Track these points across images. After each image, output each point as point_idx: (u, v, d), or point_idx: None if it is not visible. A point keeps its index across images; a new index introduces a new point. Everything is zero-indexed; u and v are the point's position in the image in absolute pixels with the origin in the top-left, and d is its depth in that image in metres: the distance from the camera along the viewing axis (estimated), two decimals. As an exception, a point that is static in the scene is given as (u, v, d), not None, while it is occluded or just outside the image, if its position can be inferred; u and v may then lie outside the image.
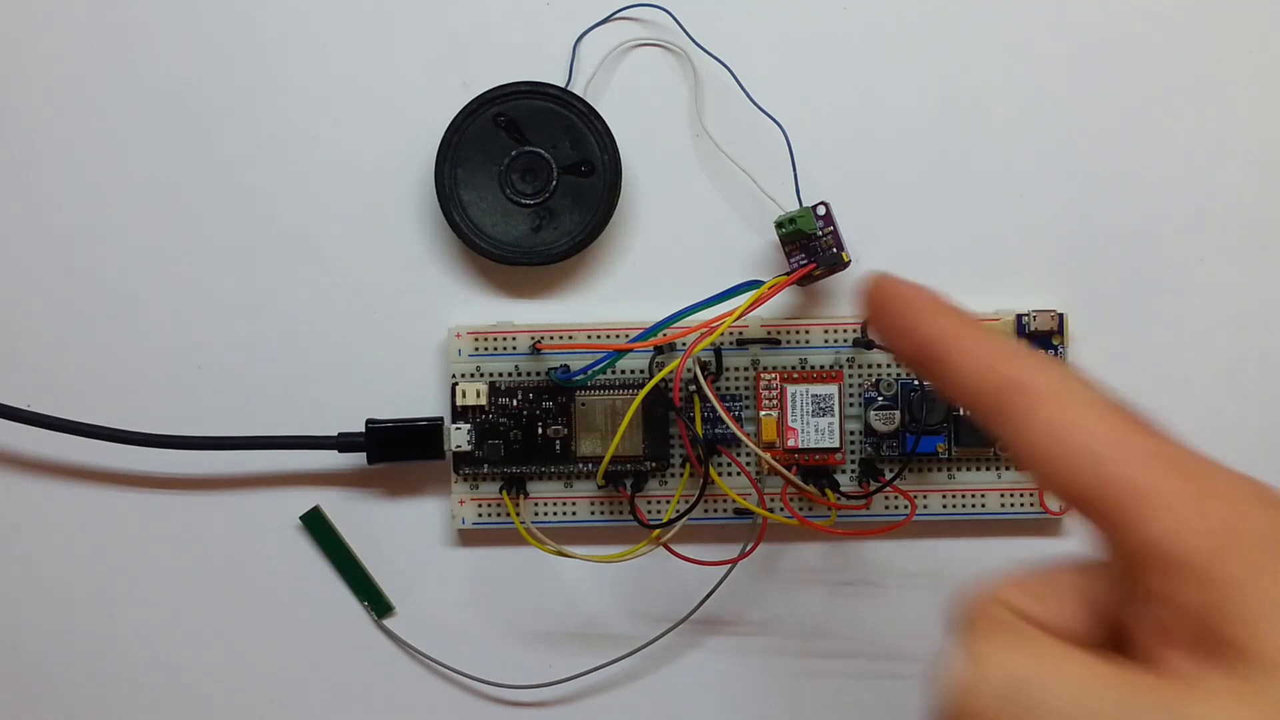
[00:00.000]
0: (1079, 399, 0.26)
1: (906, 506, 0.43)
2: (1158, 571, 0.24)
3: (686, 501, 0.42)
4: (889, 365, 0.43)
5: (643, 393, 0.41)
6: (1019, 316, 0.42)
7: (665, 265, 0.44)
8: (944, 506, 0.43)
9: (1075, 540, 0.44)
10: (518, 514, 0.43)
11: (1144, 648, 0.24)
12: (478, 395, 0.43)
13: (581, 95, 0.43)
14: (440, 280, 0.44)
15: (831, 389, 0.42)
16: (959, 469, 0.43)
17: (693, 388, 0.41)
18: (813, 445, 0.42)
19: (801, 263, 0.42)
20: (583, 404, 0.43)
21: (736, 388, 0.43)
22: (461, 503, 0.43)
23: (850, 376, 0.43)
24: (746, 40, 0.44)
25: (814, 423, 0.42)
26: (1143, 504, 0.24)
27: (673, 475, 0.43)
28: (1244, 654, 0.23)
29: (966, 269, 0.44)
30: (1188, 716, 0.22)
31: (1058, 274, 0.44)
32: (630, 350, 0.41)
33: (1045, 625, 0.26)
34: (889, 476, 0.42)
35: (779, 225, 0.42)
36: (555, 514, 0.43)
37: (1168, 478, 0.25)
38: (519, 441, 0.43)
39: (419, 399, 0.44)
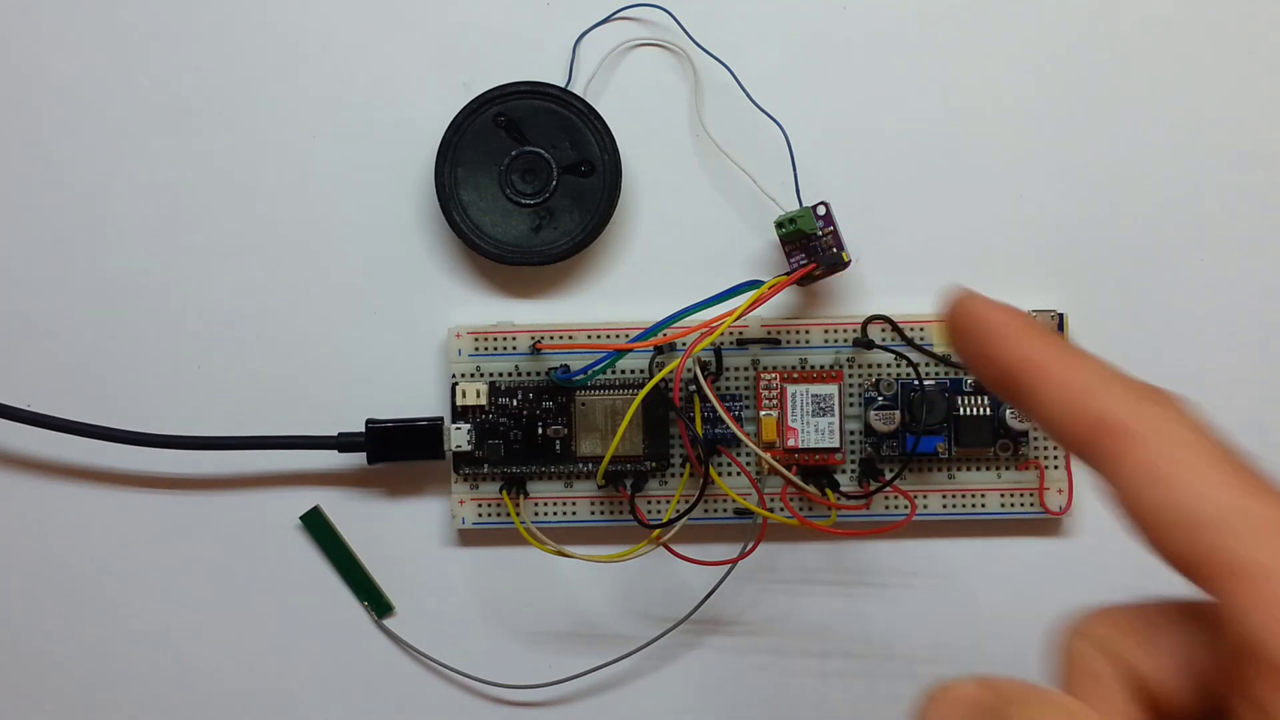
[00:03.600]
0: (1181, 447, 0.22)
1: (906, 506, 0.43)
2: (1258, 671, 0.20)
3: (686, 501, 0.42)
4: (889, 365, 0.43)
5: (643, 393, 0.41)
6: (1019, 316, 0.42)
7: (665, 265, 0.44)
8: (944, 506, 0.43)
9: (1073, 541, 0.44)
10: (518, 514, 0.42)
11: None
12: (478, 395, 0.43)
13: (581, 95, 0.43)
14: (440, 280, 0.44)
15: (831, 389, 0.42)
16: (959, 469, 0.43)
17: (693, 388, 0.41)
18: (813, 445, 0.42)
19: (802, 263, 0.42)
20: (583, 404, 0.43)
21: (736, 388, 0.43)
22: (461, 503, 0.43)
23: (850, 376, 0.43)
24: (746, 40, 0.44)
25: (814, 423, 0.42)
26: (1244, 587, 0.20)
27: (673, 475, 0.43)
28: None
29: (966, 269, 0.44)
30: None
31: (1058, 273, 0.44)
32: (630, 350, 0.41)
33: (1138, 681, 0.22)
34: (889, 476, 0.42)
35: (779, 225, 0.42)
36: (555, 514, 0.43)
37: (1275, 559, 0.20)
38: (519, 441, 0.43)
39: (419, 399, 0.44)
